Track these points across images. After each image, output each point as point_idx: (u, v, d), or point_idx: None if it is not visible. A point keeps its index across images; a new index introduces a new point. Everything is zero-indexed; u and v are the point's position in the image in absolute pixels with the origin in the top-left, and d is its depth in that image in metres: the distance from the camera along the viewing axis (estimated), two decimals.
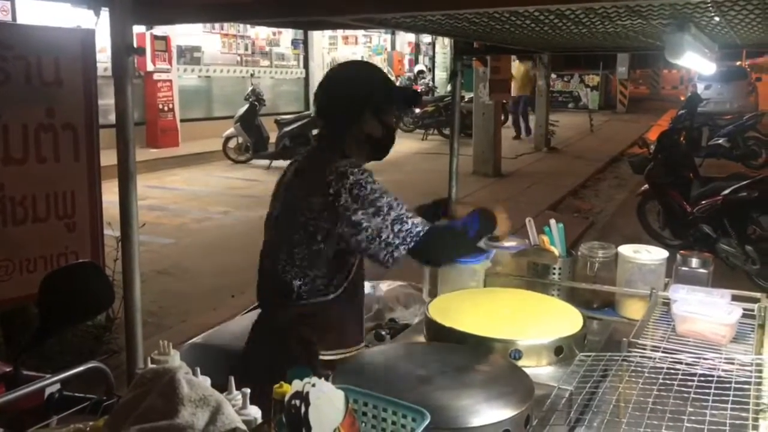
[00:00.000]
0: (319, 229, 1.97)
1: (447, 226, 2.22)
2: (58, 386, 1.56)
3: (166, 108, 12.74)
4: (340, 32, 18.87)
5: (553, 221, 2.45)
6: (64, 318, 1.52)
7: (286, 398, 0.98)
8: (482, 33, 1.89)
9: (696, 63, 1.71)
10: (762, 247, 5.78)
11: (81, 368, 1.54)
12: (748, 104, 18.31)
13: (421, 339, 2.08)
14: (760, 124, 11.43)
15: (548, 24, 1.48)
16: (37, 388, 1.49)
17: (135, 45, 1.33)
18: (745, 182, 5.92)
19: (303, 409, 0.95)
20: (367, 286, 2.73)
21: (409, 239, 1.90)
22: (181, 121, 13.22)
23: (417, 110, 16.55)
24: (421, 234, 1.91)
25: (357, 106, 2.09)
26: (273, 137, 11.95)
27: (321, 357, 2.01)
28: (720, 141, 11.11)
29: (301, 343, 2.03)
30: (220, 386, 1.25)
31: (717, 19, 1.35)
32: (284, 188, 2.15)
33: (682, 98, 17.25)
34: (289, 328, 2.04)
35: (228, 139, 12.03)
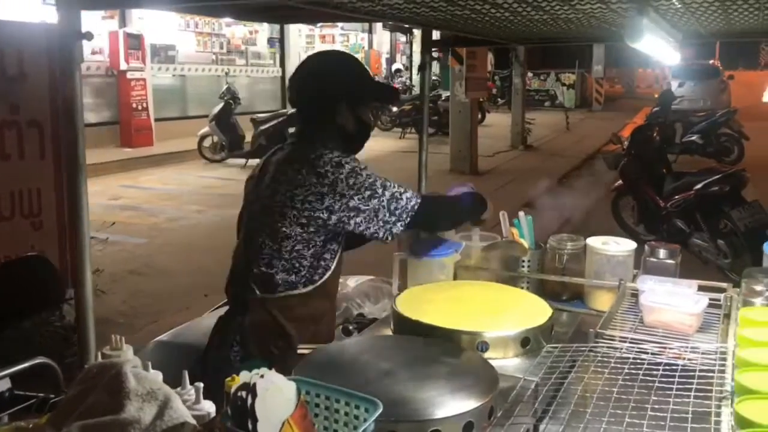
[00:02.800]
0: (312, 220, 1.99)
1: (440, 196, 2.33)
2: (8, 385, 1.51)
3: (140, 107, 12.60)
4: (317, 31, 18.81)
5: (522, 213, 2.43)
6: (14, 311, 1.47)
7: (232, 390, 0.95)
8: (443, 21, 1.86)
9: (657, 49, 1.70)
10: (733, 241, 5.83)
11: (27, 364, 1.50)
12: (721, 101, 18.55)
13: (389, 333, 2.05)
14: (732, 121, 11.57)
15: (508, 9, 1.47)
16: None
17: (82, 30, 1.28)
18: (716, 176, 5.98)
19: (249, 400, 0.92)
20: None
21: (405, 215, 2.01)
22: (156, 120, 13.08)
23: (395, 108, 16.55)
24: (416, 207, 2.01)
25: (331, 98, 2.07)
26: (249, 136, 11.87)
27: (298, 351, 1.98)
28: (693, 137, 11.23)
29: (282, 337, 2.02)
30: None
31: (678, 4, 1.34)
32: (266, 185, 2.11)
33: (657, 96, 17.43)
34: (270, 322, 2.03)
35: (203, 138, 11.92)
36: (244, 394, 0.93)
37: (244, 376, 0.96)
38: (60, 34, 1.27)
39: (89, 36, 1.28)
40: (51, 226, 3.90)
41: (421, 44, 2.57)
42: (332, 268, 2.10)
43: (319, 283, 2.08)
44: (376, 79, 18.63)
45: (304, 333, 2.05)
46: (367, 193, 1.97)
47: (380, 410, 1.07)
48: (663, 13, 1.38)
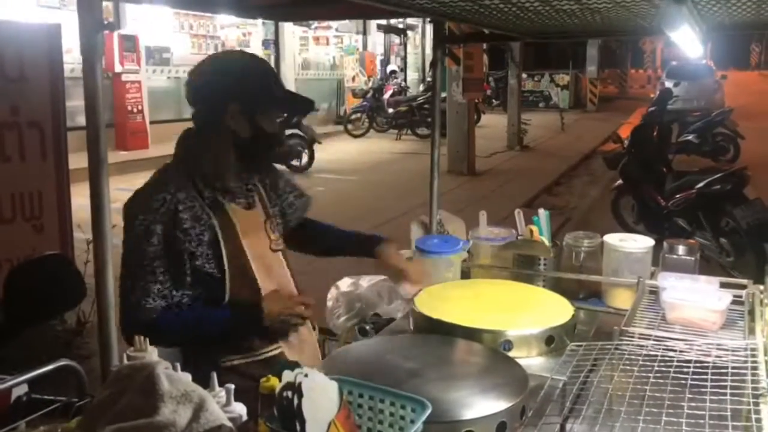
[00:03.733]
0: None
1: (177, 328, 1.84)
2: (25, 389, 1.46)
3: (135, 110, 12.51)
4: (311, 33, 18.74)
5: (541, 210, 2.40)
6: (33, 314, 1.42)
7: (277, 390, 0.91)
8: (465, 12, 1.83)
9: (688, 40, 1.68)
10: (735, 240, 5.82)
11: (50, 367, 1.45)
12: (715, 101, 18.59)
13: (408, 332, 2.02)
14: (728, 120, 11.59)
15: None
16: (2, 390, 1.39)
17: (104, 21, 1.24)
18: (718, 175, 5.97)
19: (296, 400, 0.88)
20: (348, 283, 2.67)
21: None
22: (151, 122, 12.99)
23: (390, 110, 16.52)
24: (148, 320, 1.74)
25: (220, 99, 1.87)
26: None
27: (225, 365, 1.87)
28: (689, 137, 11.23)
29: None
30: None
31: None
32: None
33: (652, 95, 17.48)
34: None
35: None
36: (289, 394, 0.89)
37: (287, 376, 0.93)
38: (81, 25, 1.23)
39: (113, 26, 1.25)
40: (52, 229, 3.85)
41: (433, 40, 2.54)
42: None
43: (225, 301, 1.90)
44: (370, 81, 18.61)
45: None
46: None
47: (429, 411, 1.03)
48: (696, 2, 1.35)
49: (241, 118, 1.88)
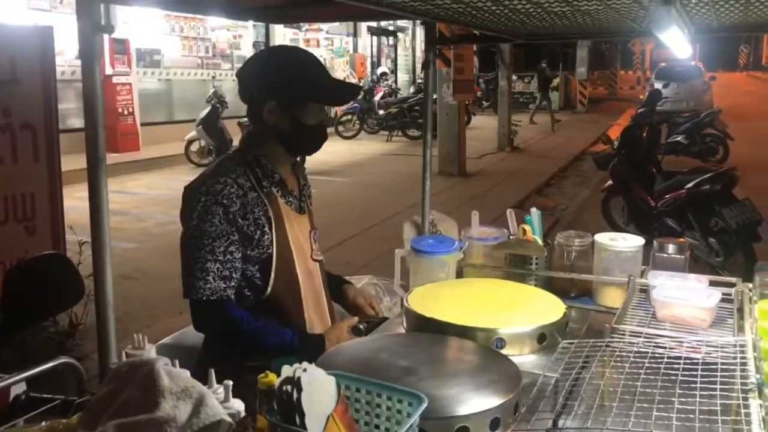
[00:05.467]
0: None
1: (242, 318, 1.95)
2: (24, 387, 1.47)
3: (125, 112, 12.49)
4: (301, 35, 18.77)
5: (534, 210, 2.42)
6: (33, 313, 1.43)
7: (277, 384, 0.93)
8: (457, 14, 1.85)
9: (677, 42, 1.70)
10: (725, 239, 5.87)
11: (50, 365, 1.45)
12: (704, 102, 18.72)
13: (401, 331, 2.03)
14: (717, 121, 11.68)
15: (530, 0, 1.45)
16: (0, 388, 1.40)
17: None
18: (707, 175, 6.01)
19: (295, 395, 0.90)
20: None
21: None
22: (142, 125, 12.97)
23: (381, 112, 16.55)
24: (208, 299, 1.88)
25: (260, 94, 1.97)
26: (236, 140, 11.78)
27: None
28: (679, 138, 11.31)
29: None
30: None
31: None
32: None
33: (641, 97, 17.58)
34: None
35: (190, 142, 11.84)
36: (289, 388, 0.91)
37: (286, 371, 0.94)
38: (79, 26, 1.24)
39: (110, 29, 1.26)
40: (45, 231, 3.85)
41: (424, 42, 2.56)
42: (270, 281, 2.00)
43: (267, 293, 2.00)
44: (361, 83, 18.63)
45: None
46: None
47: (425, 404, 1.05)
48: (686, 4, 1.38)
49: (280, 114, 1.96)
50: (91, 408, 1.04)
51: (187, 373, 1.14)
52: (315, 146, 2.09)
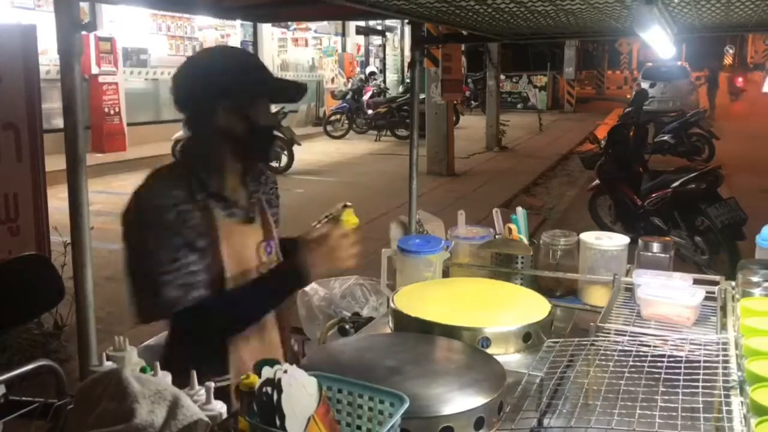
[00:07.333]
0: None
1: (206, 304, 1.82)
2: (3, 390, 1.45)
3: (112, 111, 12.40)
4: (289, 34, 18.71)
5: (519, 209, 2.43)
6: (11, 315, 1.41)
7: (257, 386, 0.92)
8: (441, 14, 1.85)
9: (659, 41, 1.71)
10: (710, 238, 5.91)
11: (29, 367, 1.43)
12: (690, 102, 18.86)
13: (387, 331, 2.03)
14: (702, 121, 11.77)
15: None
16: None
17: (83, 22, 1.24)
18: (693, 174, 6.06)
19: (275, 396, 0.89)
20: (319, 288, 2.67)
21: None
22: (128, 124, 12.88)
23: (370, 111, 16.54)
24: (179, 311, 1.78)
25: (207, 97, 1.81)
26: None
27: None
28: (665, 137, 11.40)
29: None
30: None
31: None
32: None
33: (628, 96, 17.68)
34: None
35: (177, 142, 11.76)
36: (269, 389, 0.90)
37: (266, 372, 0.93)
38: (59, 25, 1.23)
39: (90, 27, 1.25)
40: (28, 231, 3.81)
41: (411, 41, 2.56)
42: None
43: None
44: (349, 83, 18.56)
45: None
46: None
47: (407, 405, 1.04)
48: (667, 4, 1.38)
49: (233, 116, 1.82)
50: (70, 424, 1.02)
51: (167, 377, 1.13)
52: (266, 149, 1.99)
